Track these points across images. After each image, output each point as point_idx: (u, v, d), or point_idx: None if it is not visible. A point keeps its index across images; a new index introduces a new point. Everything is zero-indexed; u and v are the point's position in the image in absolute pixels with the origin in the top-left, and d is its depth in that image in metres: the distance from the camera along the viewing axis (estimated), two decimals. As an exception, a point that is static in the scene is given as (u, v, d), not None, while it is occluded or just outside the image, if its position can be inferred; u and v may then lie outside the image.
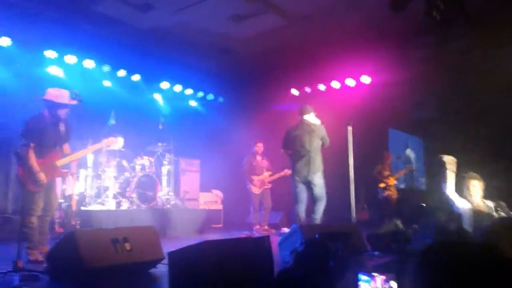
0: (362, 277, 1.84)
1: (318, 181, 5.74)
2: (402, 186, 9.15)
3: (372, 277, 1.81)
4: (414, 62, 7.94)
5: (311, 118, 5.91)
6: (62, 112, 4.55)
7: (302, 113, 5.93)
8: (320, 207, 5.70)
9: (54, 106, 4.50)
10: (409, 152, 9.87)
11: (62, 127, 4.62)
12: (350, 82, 8.93)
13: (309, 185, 5.74)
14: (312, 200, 5.81)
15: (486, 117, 7.21)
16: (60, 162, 4.57)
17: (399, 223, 4.97)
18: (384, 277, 1.81)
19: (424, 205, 9.07)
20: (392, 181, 8.22)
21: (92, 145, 5.75)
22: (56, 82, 6.96)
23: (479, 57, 7.29)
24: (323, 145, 5.86)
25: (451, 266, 0.83)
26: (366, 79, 8.75)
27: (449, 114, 7.90)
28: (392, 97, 8.10)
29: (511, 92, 6.57)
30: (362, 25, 7.33)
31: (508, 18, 6.63)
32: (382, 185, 8.13)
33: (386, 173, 8.21)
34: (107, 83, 8.76)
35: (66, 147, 4.73)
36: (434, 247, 0.97)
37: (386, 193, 8.10)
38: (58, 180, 5.65)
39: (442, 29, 6.20)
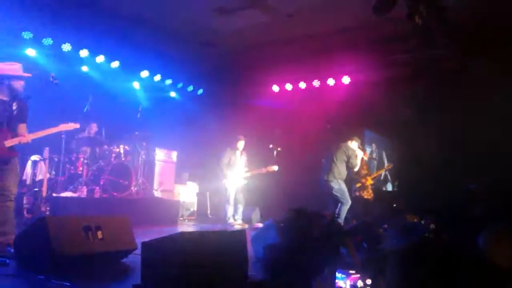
0: (339, 274, 1.86)
1: (336, 186, 6.95)
2: (380, 187, 9.21)
3: (349, 274, 1.84)
4: (393, 66, 8.09)
5: (353, 145, 7.31)
6: (17, 85, 4.22)
7: (351, 140, 7.38)
8: (343, 209, 6.90)
9: (4, 78, 4.16)
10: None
11: (14, 106, 4.26)
12: (331, 81, 9.03)
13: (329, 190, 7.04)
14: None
15: (460, 123, 7.40)
16: (8, 143, 4.15)
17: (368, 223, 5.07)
18: (360, 275, 1.85)
19: (395, 205, 9.24)
20: (369, 181, 8.22)
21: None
22: (33, 64, 6.75)
23: (456, 65, 7.48)
24: (348, 162, 7.11)
25: (435, 266, 0.85)
26: (346, 79, 8.86)
27: (424, 119, 8.07)
28: (370, 98, 8.22)
29: (485, 100, 6.77)
30: (345, 26, 7.40)
31: (488, 31, 6.83)
32: (358, 185, 8.17)
33: (364, 172, 8.21)
34: (85, 68, 8.56)
35: (22, 128, 4.32)
36: (415, 248, 0.99)
37: (358, 193, 8.14)
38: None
39: (423, 35, 6.33)
